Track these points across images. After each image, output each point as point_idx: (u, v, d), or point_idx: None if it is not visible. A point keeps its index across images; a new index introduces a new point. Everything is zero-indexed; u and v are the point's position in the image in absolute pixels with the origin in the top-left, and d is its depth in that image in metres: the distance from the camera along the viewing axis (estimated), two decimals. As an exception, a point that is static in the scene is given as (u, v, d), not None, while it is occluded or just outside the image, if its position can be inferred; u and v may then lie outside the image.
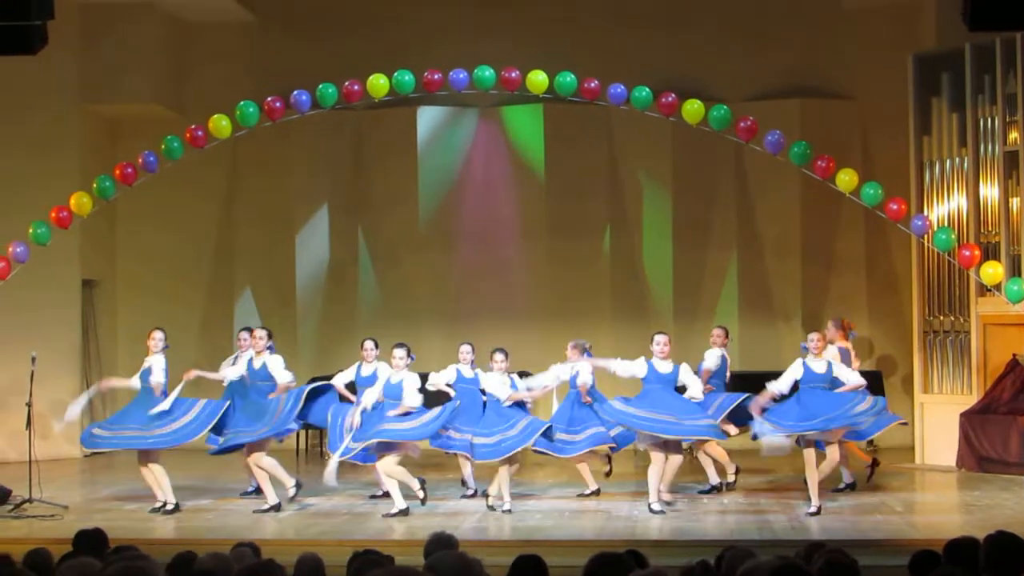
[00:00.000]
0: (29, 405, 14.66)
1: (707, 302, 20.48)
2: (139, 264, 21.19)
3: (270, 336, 15.04)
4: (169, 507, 14.02)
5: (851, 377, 13.82)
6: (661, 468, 13.73)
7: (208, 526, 13.33)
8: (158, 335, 14.32)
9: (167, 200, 20.34)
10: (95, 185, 15.36)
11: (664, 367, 13.84)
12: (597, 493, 14.81)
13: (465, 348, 14.90)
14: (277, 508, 13.99)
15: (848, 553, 6.43)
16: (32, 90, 19.02)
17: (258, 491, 14.69)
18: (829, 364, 13.80)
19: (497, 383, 14.22)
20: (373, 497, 14.87)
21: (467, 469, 14.90)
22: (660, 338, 14.00)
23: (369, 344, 14.89)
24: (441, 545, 6.82)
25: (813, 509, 13.36)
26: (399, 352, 13.97)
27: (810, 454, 13.56)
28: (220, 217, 21.34)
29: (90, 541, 7.68)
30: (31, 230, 15.16)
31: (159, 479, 14.15)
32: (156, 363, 14.22)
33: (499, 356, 14.30)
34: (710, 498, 14.70)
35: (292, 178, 21.06)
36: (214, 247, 21.30)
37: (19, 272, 15.16)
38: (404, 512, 13.51)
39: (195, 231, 21.13)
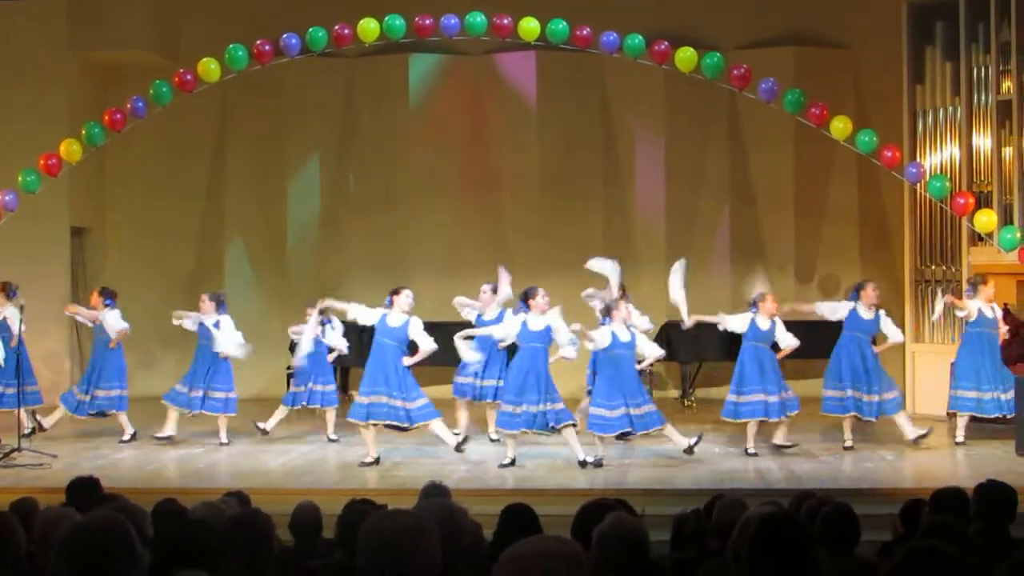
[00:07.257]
0: (18, 354, 14.64)
1: (700, 251, 20.38)
2: (129, 212, 21.02)
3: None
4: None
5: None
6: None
7: (200, 475, 13.37)
8: (206, 297, 14.79)
9: (157, 148, 20.21)
10: (84, 132, 15.26)
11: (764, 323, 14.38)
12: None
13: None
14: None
15: (846, 503, 6.43)
16: (22, 36, 18.84)
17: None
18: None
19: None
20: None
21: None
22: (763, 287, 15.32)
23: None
24: (434, 494, 6.84)
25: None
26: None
27: None
28: (211, 166, 21.16)
29: (84, 489, 7.66)
30: (20, 178, 15.07)
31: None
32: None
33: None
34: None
35: (283, 128, 20.91)
36: (205, 196, 21.11)
37: (8, 221, 15.08)
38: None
39: (186, 180, 20.92)
